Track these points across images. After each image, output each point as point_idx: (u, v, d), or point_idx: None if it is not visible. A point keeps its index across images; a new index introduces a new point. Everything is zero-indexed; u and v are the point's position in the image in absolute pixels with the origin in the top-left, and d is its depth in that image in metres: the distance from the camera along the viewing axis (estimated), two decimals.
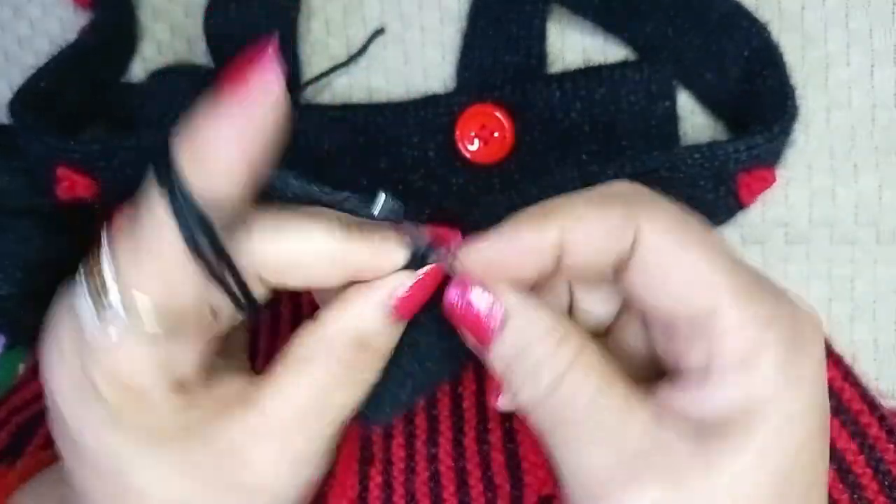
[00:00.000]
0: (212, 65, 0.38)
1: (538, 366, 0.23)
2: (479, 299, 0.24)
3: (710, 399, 0.22)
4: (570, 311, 0.27)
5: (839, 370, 0.32)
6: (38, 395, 0.35)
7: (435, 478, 0.32)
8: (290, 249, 0.25)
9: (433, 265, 0.25)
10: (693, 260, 0.23)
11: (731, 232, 0.36)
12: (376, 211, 0.24)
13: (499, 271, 0.24)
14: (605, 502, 0.22)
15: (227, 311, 0.26)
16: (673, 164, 0.30)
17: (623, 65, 0.34)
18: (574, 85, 0.34)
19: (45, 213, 0.36)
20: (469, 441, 0.33)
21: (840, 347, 0.34)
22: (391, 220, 0.24)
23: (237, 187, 0.23)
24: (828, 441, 0.24)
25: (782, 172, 0.35)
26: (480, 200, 0.34)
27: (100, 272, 0.23)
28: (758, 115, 0.32)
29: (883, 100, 0.35)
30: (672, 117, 0.34)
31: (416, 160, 0.35)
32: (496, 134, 0.35)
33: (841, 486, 0.31)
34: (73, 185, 0.33)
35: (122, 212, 0.24)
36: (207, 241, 0.23)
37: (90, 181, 0.33)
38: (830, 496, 0.31)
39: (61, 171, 0.33)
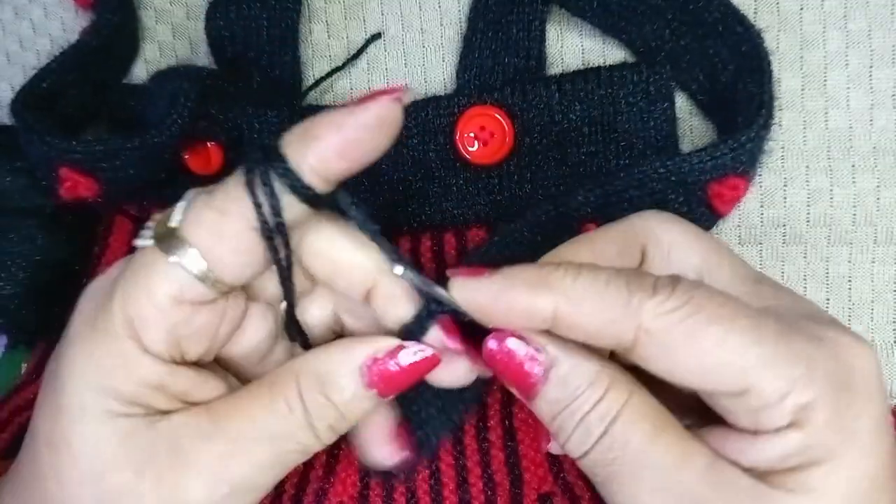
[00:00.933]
0: (213, 66, 0.38)
1: (586, 415, 0.23)
2: (519, 348, 0.24)
3: (763, 452, 0.22)
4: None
5: None
6: None
7: (435, 475, 0.32)
8: (342, 250, 0.26)
9: (429, 353, 0.25)
10: (708, 343, 0.22)
11: (729, 233, 0.36)
12: (398, 271, 0.25)
13: (491, 318, 0.24)
14: None
15: (257, 327, 0.27)
16: (640, 182, 0.31)
17: (622, 66, 0.35)
18: (573, 86, 0.34)
19: (48, 214, 0.36)
20: (469, 439, 0.33)
21: None
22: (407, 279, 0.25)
23: (329, 181, 0.24)
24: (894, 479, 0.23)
25: (781, 172, 0.35)
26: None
27: (167, 217, 0.25)
28: (737, 120, 0.33)
29: (881, 100, 0.35)
30: (670, 119, 0.34)
31: (417, 161, 0.35)
32: (495, 135, 0.35)
33: None
34: (75, 185, 0.33)
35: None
36: (276, 225, 0.24)
37: (92, 181, 0.33)
38: None
39: (64, 172, 0.33)
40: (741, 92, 0.33)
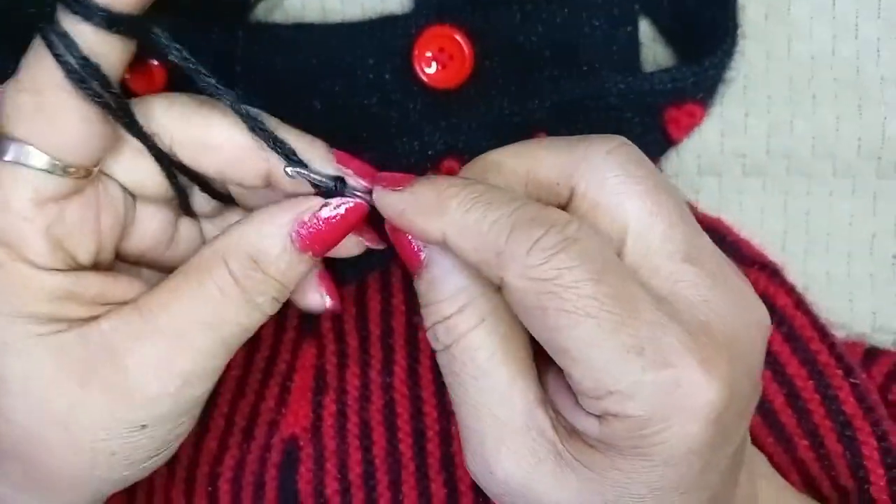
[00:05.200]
0: None
1: (439, 323, 0.24)
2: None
3: (579, 422, 0.23)
4: None
5: (791, 298, 0.33)
6: None
7: (390, 406, 0.32)
8: (209, 125, 0.25)
9: (352, 203, 0.25)
10: (551, 324, 0.22)
11: (689, 163, 0.35)
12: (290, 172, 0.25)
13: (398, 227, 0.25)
14: (476, 459, 0.24)
15: (151, 201, 0.26)
16: (598, 94, 0.30)
17: None
18: (535, 8, 0.33)
19: None
20: (424, 370, 0.32)
21: (793, 279, 0.34)
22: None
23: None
24: (747, 422, 0.24)
25: (742, 102, 0.35)
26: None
27: None
28: (700, 47, 0.32)
29: (843, 31, 0.35)
30: (634, 43, 0.34)
31: (372, 84, 0.34)
32: (454, 58, 0.34)
33: (789, 409, 0.31)
34: None
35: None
36: (98, 81, 0.23)
37: None
38: (779, 420, 0.31)
39: None
40: (705, 18, 0.32)
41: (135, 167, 0.26)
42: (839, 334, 0.34)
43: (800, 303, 0.33)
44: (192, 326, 0.24)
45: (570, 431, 0.23)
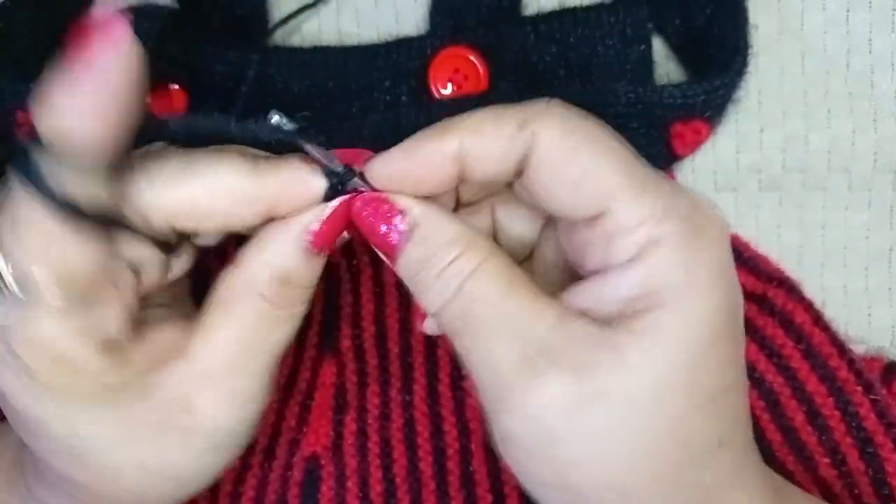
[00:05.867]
0: (176, 6, 0.37)
1: (443, 271, 0.24)
2: (383, 212, 0.25)
3: (610, 294, 0.23)
4: (495, 235, 0.28)
5: (809, 314, 0.33)
6: None
7: (410, 424, 0.32)
8: (195, 192, 0.24)
9: (342, 197, 0.25)
10: (584, 160, 0.23)
11: (706, 179, 0.35)
12: (264, 132, 0.24)
13: (404, 184, 0.25)
14: (510, 394, 0.23)
15: (153, 264, 0.26)
16: (606, 101, 0.30)
17: (598, 7, 0.34)
18: (549, 27, 0.33)
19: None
20: (443, 388, 0.33)
21: (810, 293, 0.34)
22: (286, 140, 0.24)
23: (105, 149, 0.23)
24: (740, 351, 0.24)
25: (757, 118, 0.35)
26: None
27: None
28: (711, 65, 0.32)
29: (857, 45, 0.35)
30: (647, 61, 0.34)
31: (389, 105, 0.34)
32: (469, 78, 0.34)
33: (810, 427, 0.31)
34: (33, 129, 0.32)
35: None
36: (75, 204, 0.23)
37: None
38: (799, 439, 0.31)
39: (20, 116, 0.32)
40: (716, 36, 0.32)
41: (133, 248, 0.26)
42: (858, 348, 0.34)
43: (818, 319, 0.32)
44: (240, 356, 0.25)
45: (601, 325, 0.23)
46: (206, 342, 0.25)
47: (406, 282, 0.25)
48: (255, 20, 0.36)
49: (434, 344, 0.33)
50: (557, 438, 0.23)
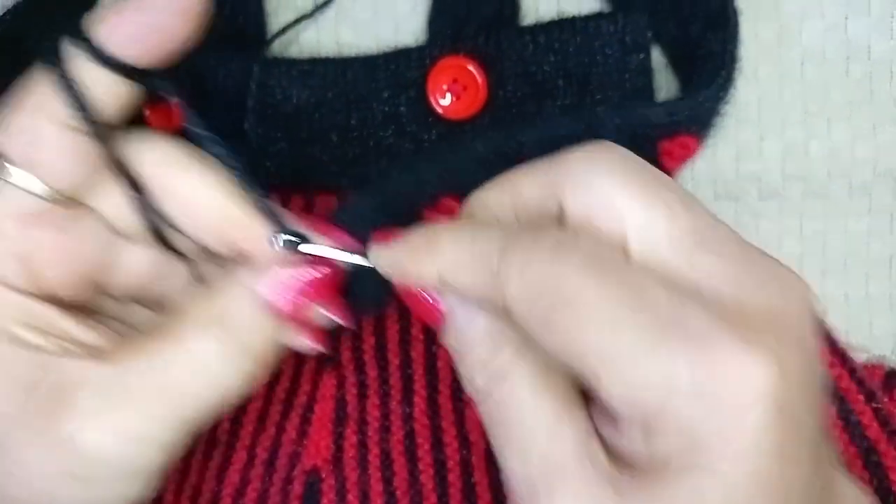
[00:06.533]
0: None
1: (476, 367, 0.24)
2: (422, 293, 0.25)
3: (620, 440, 0.21)
4: None
5: None
6: None
7: (410, 436, 0.32)
8: (190, 185, 0.26)
9: (318, 275, 0.26)
10: (564, 328, 0.20)
11: (706, 188, 0.35)
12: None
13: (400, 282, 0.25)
14: (531, 500, 0.22)
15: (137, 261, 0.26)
16: (591, 129, 0.30)
17: (597, 16, 0.34)
18: (548, 37, 0.33)
19: None
20: (444, 399, 0.32)
21: None
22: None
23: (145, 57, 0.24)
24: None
25: (757, 126, 0.35)
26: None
27: None
28: (699, 78, 0.32)
29: (856, 52, 0.35)
30: (646, 70, 0.34)
31: (387, 116, 0.34)
32: (468, 88, 0.34)
33: None
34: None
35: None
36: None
37: None
38: None
39: None
40: (705, 49, 0.32)
41: (119, 204, 0.26)
42: (859, 356, 0.34)
43: (819, 328, 0.32)
44: (161, 393, 0.24)
45: (623, 466, 0.21)
46: (136, 358, 0.25)
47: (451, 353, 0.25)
48: (253, 31, 0.36)
49: (434, 355, 0.33)
50: None
